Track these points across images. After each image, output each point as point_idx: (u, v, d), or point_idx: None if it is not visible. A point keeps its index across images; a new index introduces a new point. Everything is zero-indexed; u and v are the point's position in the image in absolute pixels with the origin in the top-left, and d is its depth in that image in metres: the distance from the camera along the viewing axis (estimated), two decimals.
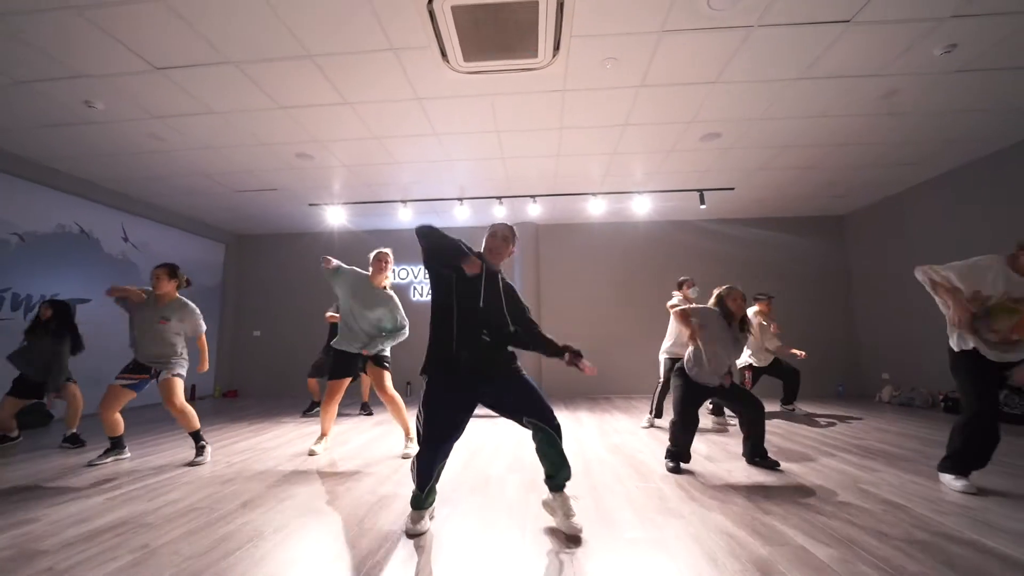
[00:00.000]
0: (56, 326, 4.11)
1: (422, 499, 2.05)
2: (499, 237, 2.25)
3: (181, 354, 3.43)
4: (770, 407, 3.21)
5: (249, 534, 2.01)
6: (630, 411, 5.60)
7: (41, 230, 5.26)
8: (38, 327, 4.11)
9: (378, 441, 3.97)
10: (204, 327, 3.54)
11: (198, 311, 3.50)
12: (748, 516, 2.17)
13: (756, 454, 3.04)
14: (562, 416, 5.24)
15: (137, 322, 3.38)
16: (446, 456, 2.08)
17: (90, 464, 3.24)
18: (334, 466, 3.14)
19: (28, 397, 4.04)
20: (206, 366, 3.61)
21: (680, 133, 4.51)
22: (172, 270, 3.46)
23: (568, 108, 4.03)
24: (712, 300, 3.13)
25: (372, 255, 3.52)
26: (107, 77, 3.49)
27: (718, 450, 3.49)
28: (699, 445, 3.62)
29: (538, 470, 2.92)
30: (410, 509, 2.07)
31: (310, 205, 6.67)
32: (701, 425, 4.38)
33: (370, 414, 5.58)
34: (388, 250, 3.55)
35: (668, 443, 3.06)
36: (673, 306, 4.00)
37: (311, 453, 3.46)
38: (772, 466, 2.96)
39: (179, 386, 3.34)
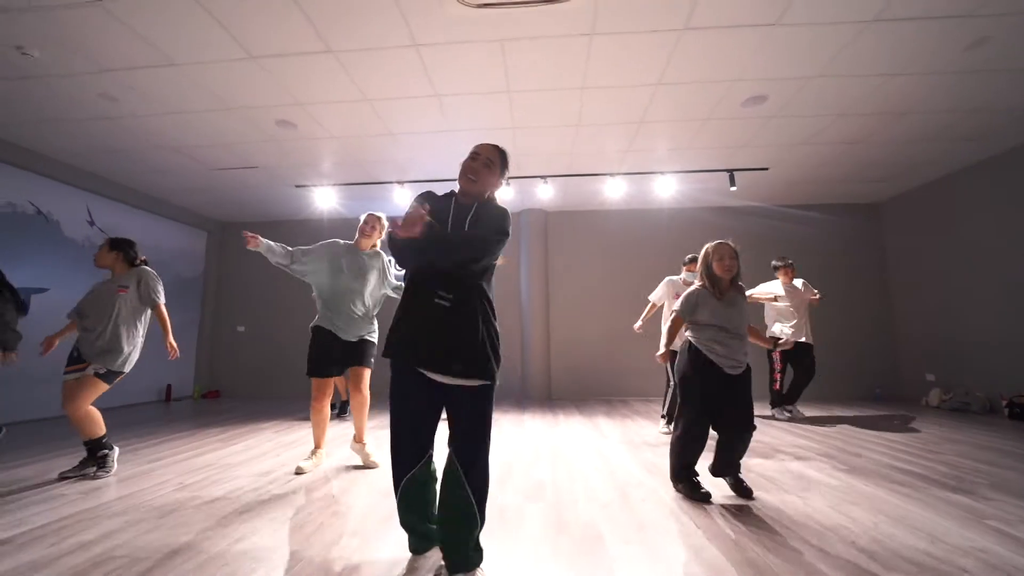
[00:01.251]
0: None
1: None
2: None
3: (123, 347, 2.87)
4: (759, 409, 2.53)
5: None
6: (652, 416, 5.00)
7: None
8: None
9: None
10: (161, 295, 2.99)
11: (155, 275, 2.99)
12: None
13: (725, 472, 2.42)
14: (578, 421, 4.63)
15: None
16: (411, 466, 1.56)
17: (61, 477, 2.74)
18: (307, 490, 2.51)
19: None
20: (173, 342, 2.99)
21: (721, 95, 3.87)
22: (113, 243, 2.99)
23: (594, 61, 3.40)
24: (699, 267, 2.48)
25: (362, 218, 3.01)
26: (40, 11, 2.85)
27: (777, 466, 2.86)
28: (756, 461, 2.99)
29: (565, 499, 2.32)
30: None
31: (297, 187, 6.04)
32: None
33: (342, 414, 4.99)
34: (376, 213, 3.04)
35: (679, 470, 2.39)
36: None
37: (298, 471, 2.83)
38: (745, 494, 2.32)
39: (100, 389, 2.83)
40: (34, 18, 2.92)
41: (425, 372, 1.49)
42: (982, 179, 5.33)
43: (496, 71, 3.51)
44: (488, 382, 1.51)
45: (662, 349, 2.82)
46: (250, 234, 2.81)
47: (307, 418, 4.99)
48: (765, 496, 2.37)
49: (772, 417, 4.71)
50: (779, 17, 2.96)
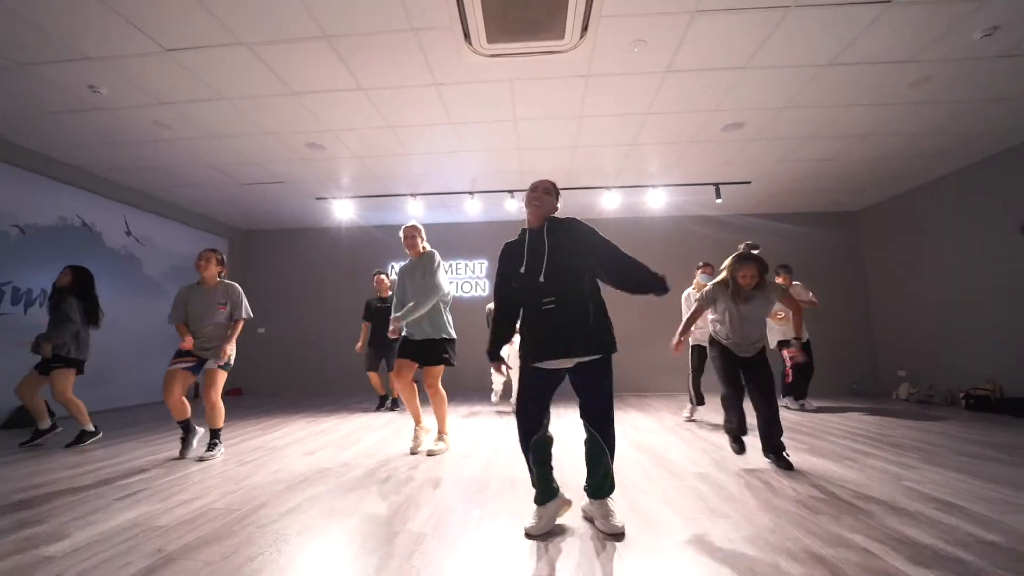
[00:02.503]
0: (77, 291, 3.86)
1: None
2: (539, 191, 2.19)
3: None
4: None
5: (271, 537, 1.88)
6: (645, 409, 5.48)
7: (42, 222, 5.11)
8: (55, 295, 3.83)
9: (392, 439, 3.84)
10: (249, 311, 3.53)
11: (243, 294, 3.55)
12: (798, 516, 2.04)
13: (768, 449, 2.90)
14: (574, 414, 5.10)
15: (191, 311, 3.40)
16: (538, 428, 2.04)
17: (181, 456, 3.26)
18: (350, 466, 3.01)
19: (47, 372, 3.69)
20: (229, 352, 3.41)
21: (703, 123, 4.38)
22: (221, 256, 3.59)
23: (590, 95, 3.90)
24: (720, 277, 2.99)
25: (401, 235, 3.44)
26: (113, 59, 3.36)
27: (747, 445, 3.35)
28: (717, 436, 3.49)
29: (570, 470, 2.81)
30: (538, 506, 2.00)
31: (317, 199, 6.53)
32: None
33: (392, 408, 5.48)
34: (413, 222, 3.47)
35: (724, 425, 3.03)
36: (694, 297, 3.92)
37: (428, 452, 3.27)
38: (786, 466, 2.82)
39: (221, 379, 3.35)
40: (107, 64, 3.41)
41: (546, 364, 1.98)
42: (945, 191, 5.84)
43: (504, 104, 4.02)
44: (604, 355, 1.99)
45: (676, 339, 3.14)
46: (393, 331, 3.30)
47: (330, 411, 5.48)
48: (730, 464, 2.87)
49: (784, 407, 5.14)
50: (747, 61, 3.46)
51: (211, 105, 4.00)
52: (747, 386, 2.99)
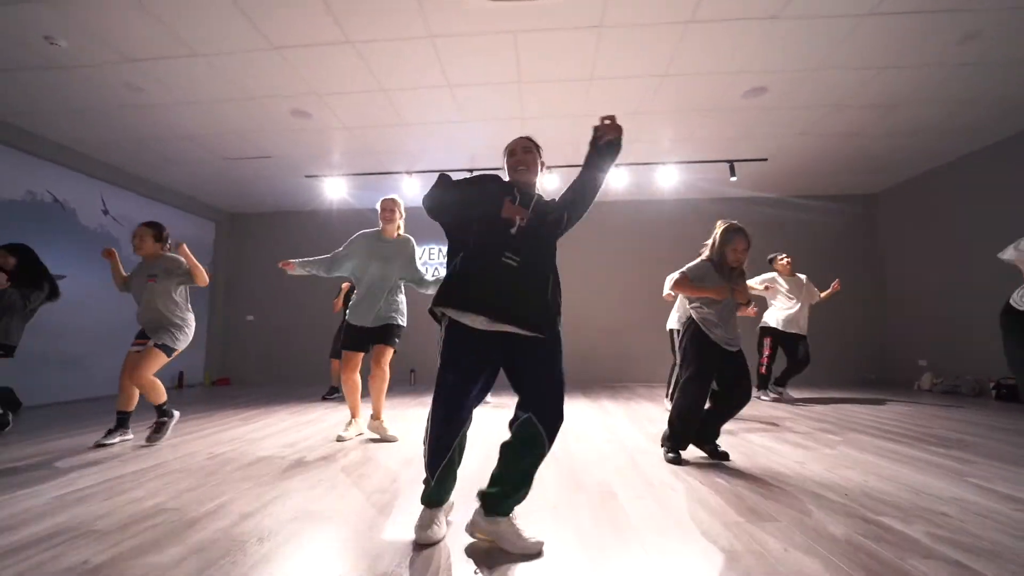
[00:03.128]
0: (29, 274, 3.54)
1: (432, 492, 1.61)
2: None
3: (174, 322, 3.09)
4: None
5: (226, 545, 1.54)
6: (656, 399, 5.16)
7: (6, 196, 4.73)
8: None
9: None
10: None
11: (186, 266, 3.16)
12: (858, 520, 1.71)
13: (707, 439, 2.57)
14: (583, 404, 4.78)
15: (133, 289, 3.19)
16: (461, 427, 1.61)
17: (97, 445, 2.95)
18: (331, 460, 2.66)
19: None
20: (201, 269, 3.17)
21: (724, 87, 4.01)
22: (158, 231, 3.21)
23: (603, 52, 3.53)
24: (712, 245, 2.62)
25: (379, 205, 3.18)
26: (69, 2, 2.97)
27: (773, 438, 3.03)
28: (754, 436, 3.16)
29: (578, 467, 2.48)
30: (421, 508, 1.62)
31: (307, 177, 6.16)
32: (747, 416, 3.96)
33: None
34: (394, 195, 3.21)
35: (672, 429, 2.58)
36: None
37: (339, 439, 3.07)
38: (721, 457, 2.51)
39: (157, 359, 3.02)
40: (64, 9, 3.03)
41: (488, 325, 1.54)
42: (972, 170, 5.49)
43: (508, 62, 3.64)
44: (554, 337, 1.62)
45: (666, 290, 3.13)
46: (284, 263, 3.09)
47: (320, 400, 5.15)
48: (764, 462, 2.54)
49: (757, 398, 4.87)
50: (781, 9, 3.09)
51: (185, 63, 3.62)
52: (731, 382, 2.52)
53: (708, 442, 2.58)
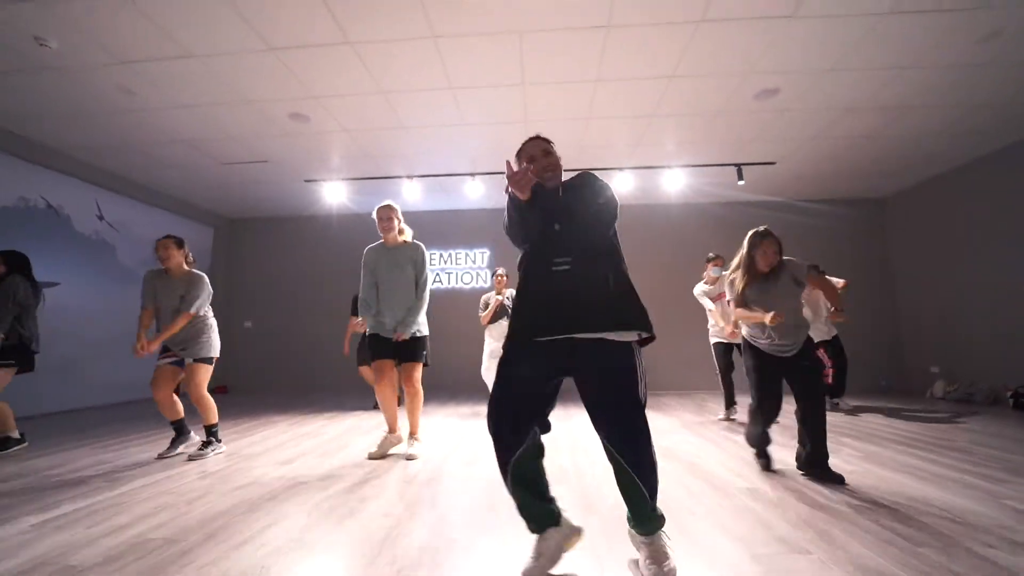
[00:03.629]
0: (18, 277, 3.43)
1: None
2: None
3: (201, 332, 3.15)
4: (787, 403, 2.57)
5: None
6: (661, 408, 5.02)
7: (0, 202, 4.62)
8: None
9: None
10: (201, 309, 3.17)
11: (209, 288, 3.21)
12: (894, 549, 1.58)
13: (814, 462, 2.42)
14: (586, 415, 4.62)
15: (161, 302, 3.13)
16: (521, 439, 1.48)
17: (160, 457, 2.99)
18: (332, 479, 2.54)
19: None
20: (154, 346, 2.99)
21: (734, 88, 3.90)
22: (179, 241, 3.21)
23: (609, 53, 3.42)
24: (738, 258, 2.56)
25: (374, 215, 3.07)
26: (57, 1, 2.86)
27: (784, 451, 2.89)
28: (772, 449, 3.03)
29: (589, 485, 2.31)
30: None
31: (306, 182, 6.04)
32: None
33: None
34: (388, 202, 3.10)
35: (747, 436, 2.61)
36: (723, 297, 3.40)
37: (370, 456, 2.93)
38: (836, 480, 2.34)
39: (204, 372, 3.13)
40: (53, 8, 2.93)
41: (551, 338, 1.43)
42: (985, 174, 5.37)
43: (512, 63, 3.53)
44: (633, 339, 1.45)
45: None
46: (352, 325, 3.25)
47: (318, 411, 5.01)
48: (787, 480, 2.41)
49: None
50: (795, 9, 2.99)
51: (179, 65, 3.51)
52: (793, 390, 2.46)
53: (817, 467, 2.41)
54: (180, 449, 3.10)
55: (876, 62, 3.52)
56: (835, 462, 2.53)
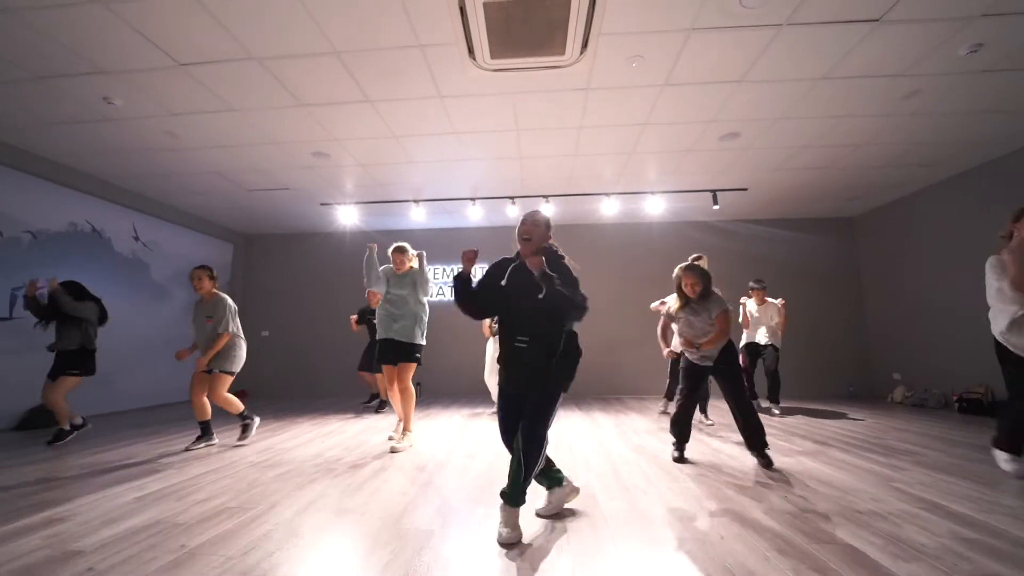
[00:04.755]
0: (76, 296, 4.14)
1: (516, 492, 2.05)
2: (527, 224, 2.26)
3: (231, 352, 3.76)
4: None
5: (286, 534, 1.98)
6: (644, 411, 5.58)
7: (53, 228, 5.23)
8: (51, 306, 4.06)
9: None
10: (230, 326, 3.73)
11: (231, 307, 3.80)
12: (787, 515, 2.15)
13: (753, 445, 3.07)
14: (575, 416, 5.22)
15: (194, 323, 3.85)
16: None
17: (186, 450, 3.61)
18: (357, 467, 3.11)
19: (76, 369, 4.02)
20: (204, 361, 3.66)
21: (699, 133, 4.50)
22: (210, 271, 3.86)
23: (590, 107, 4.02)
24: (675, 287, 3.21)
25: (389, 252, 3.79)
26: (128, 73, 3.47)
27: (737, 447, 3.46)
28: (716, 441, 3.60)
29: (566, 471, 2.92)
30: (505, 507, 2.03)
31: (321, 204, 6.64)
32: (702, 423, 4.39)
33: (379, 410, 5.65)
34: (403, 244, 3.78)
35: (671, 428, 3.24)
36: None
37: (393, 450, 3.51)
38: (767, 464, 2.97)
39: (225, 382, 3.73)
40: (122, 77, 3.53)
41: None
42: (941, 197, 5.95)
43: (506, 115, 4.14)
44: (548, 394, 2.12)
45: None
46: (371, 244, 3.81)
47: (334, 413, 5.58)
48: (727, 468, 2.98)
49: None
50: (743, 75, 3.58)
51: (220, 116, 4.12)
52: (722, 389, 3.16)
53: (754, 448, 3.07)
54: (202, 446, 3.69)
55: (818, 112, 4.12)
56: (772, 454, 3.09)
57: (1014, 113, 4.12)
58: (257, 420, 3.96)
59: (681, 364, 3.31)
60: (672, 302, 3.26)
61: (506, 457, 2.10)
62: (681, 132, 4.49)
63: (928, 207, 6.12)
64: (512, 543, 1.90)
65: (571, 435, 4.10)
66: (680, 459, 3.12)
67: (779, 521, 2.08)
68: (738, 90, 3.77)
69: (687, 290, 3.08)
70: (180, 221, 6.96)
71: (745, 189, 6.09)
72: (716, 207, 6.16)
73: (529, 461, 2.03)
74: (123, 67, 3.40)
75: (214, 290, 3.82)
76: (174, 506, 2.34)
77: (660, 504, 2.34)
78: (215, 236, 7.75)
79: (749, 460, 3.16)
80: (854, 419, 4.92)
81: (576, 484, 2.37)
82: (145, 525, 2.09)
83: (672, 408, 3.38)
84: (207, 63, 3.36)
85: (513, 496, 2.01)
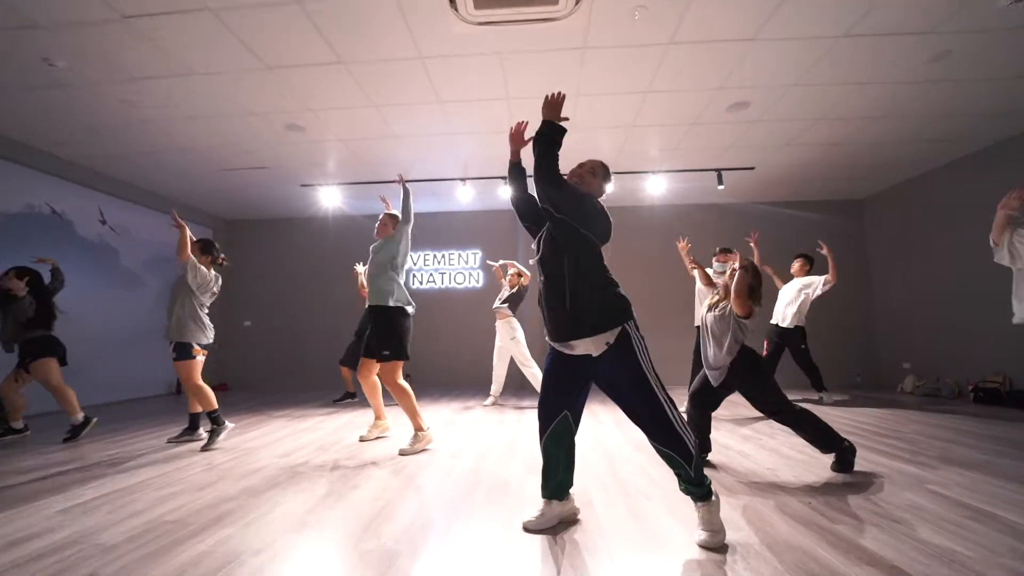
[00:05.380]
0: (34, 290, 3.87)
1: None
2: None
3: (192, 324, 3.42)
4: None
5: (224, 557, 1.65)
6: None
7: (11, 210, 4.83)
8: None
9: (378, 439, 3.62)
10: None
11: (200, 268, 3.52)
12: (814, 525, 1.83)
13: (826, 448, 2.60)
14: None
15: None
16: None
17: (168, 441, 3.49)
18: (326, 469, 2.78)
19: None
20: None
21: (706, 102, 4.13)
22: (205, 245, 3.67)
23: (586, 70, 3.64)
24: (723, 281, 2.71)
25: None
26: (66, 28, 3.06)
27: (753, 446, 3.15)
28: (731, 440, 3.29)
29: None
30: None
31: (302, 186, 6.25)
32: (727, 418, 4.08)
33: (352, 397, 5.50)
34: (390, 212, 3.53)
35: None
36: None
37: (400, 452, 3.13)
38: (839, 468, 2.56)
39: (186, 366, 3.35)
40: (60, 34, 3.12)
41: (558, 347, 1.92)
42: (955, 177, 5.62)
43: (495, 80, 3.75)
44: (610, 337, 1.78)
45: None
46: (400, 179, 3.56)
47: (316, 407, 5.26)
48: (739, 469, 2.66)
49: None
50: (756, 32, 3.21)
51: (179, 82, 3.72)
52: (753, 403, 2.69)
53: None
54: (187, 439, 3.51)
55: (836, 78, 3.76)
56: (786, 451, 2.78)
57: None
58: (229, 426, 3.52)
59: (691, 388, 2.85)
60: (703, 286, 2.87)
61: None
62: (686, 101, 4.12)
63: (941, 188, 5.79)
64: (714, 546, 1.67)
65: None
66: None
67: (804, 534, 1.77)
68: (751, 51, 3.40)
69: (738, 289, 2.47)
70: (152, 204, 6.55)
71: (752, 168, 5.73)
72: (721, 187, 5.81)
73: (676, 450, 1.73)
74: (58, 19, 2.99)
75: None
76: (103, 520, 2.01)
77: (667, 512, 2.02)
78: (193, 221, 7.32)
79: (762, 458, 2.85)
80: (866, 411, 4.62)
81: (574, 488, 2.05)
82: (59, 545, 1.76)
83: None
84: (153, 15, 2.96)
85: (695, 488, 1.75)
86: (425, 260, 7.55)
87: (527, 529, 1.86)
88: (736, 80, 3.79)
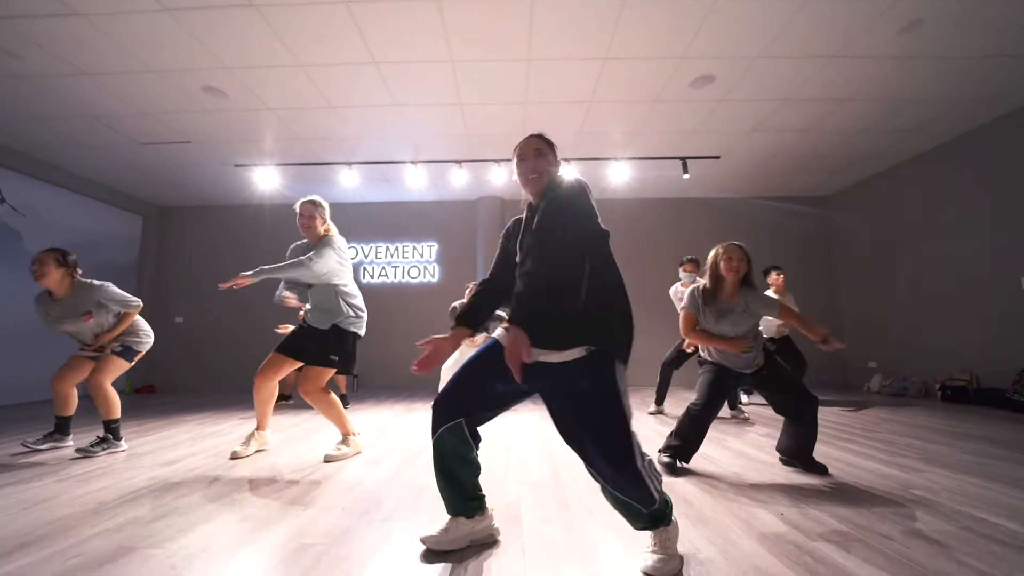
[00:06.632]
0: None
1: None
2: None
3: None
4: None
5: None
6: None
7: None
8: None
9: (293, 443, 3.12)
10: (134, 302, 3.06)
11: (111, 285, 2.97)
12: (789, 545, 1.46)
13: (795, 454, 2.33)
14: (532, 413, 4.48)
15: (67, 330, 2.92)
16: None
17: (23, 445, 2.87)
18: (207, 480, 2.27)
19: None
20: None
21: (669, 73, 3.81)
22: (63, 255, 2.83)
23: (537, 28, 3.26)
24: (707, 269, 2.43)
25: (296, 207, 2.79)
26: None
27: (716, 447, 2.80)
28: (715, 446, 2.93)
29: (491, 480, 2.17)
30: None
31: (236, 167, 5.68)
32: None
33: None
34: (307, 198, 2.78)
35: (672, 433, 2.39)
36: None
37: (233, 455, 2.67)
38: (820, 471, 2.27)
39: (117, 366, 2.95)
40: None
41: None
42: (920, 173, 5.51)
43: (435, 35, 3.33)
44: (584, 354, 1.35)
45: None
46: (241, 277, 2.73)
47: (239, 410, 4.69)
48: (700, 473, 2.30)
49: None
50: None
51: (63, 24, 3.15)
52: (769, 401, 2.42)
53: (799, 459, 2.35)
54: (44, 447, 2.90)
55: (802, 50, 3.50)
56: (753, 452, 2.43)
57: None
58: (124, 447, 2.94)
59: (701, 370, 2.49)
60: (687, 292, 2.51)
61: (426, 458, 1.34)
62: (647, 71, 3.79)
63: (906, 182, 5.68)
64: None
65: (515, 434, 3.36)
66: (672, 469, 2.31)
67: (777, 555, 1.39)
68: (713, 12, 3.09)
69: (729, 269, 2.32)
70: (68, 184, 5.84)
71: (717, 157, 5.49)
72: (686, 176, 5.54)
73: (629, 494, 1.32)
74: None
75: (73, 281, 2.89)
76: None
77: (610, 528, 1.62)
78: (119, 206, 6.64)
79: (739, 463, 2.50)
80: (836, 412, 4.37)
81: (505, 499, 1.69)
82: None
83: (680, 413, 2.46)
84: None
85: (651, 521, 1.35)
86: (377, 253, 7.04)
87: (425, 544, 1.46)
88: (699, 48, 3.48)
